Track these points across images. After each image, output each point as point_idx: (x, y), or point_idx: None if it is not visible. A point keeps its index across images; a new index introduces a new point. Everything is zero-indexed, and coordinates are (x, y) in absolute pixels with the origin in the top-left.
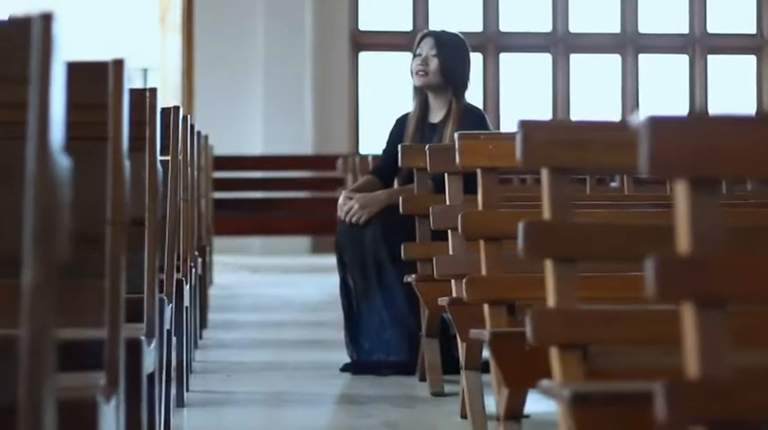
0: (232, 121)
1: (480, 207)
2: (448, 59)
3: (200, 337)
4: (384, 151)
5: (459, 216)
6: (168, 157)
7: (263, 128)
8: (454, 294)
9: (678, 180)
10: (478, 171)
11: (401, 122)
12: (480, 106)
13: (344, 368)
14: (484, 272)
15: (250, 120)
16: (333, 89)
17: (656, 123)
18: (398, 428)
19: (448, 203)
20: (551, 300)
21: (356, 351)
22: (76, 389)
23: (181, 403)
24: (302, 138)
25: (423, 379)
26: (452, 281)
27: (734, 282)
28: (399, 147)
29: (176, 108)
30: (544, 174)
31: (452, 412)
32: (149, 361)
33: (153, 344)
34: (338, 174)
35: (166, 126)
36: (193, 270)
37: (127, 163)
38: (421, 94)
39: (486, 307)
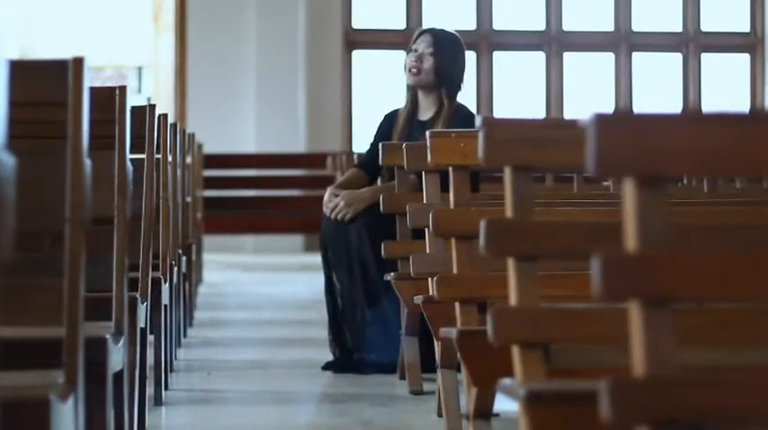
0: (225, 120)
1: (452, 205)
2: (443, 60)
3: (185, 336)
4: (371, 145)
5: (430, 214)
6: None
7: (256, 126)
8: (430, 293)
9: (625, 178)
10: (450, 169)
11: (389, 118)
12: (474, 104)
13: (327, 366)
14: (455, 270)
15: (243, 119)
16: (326, 87)
17: (603, 121)
18: (373, 427)
19: (425, 202)
20: (513, 299)
21: (339, 349)
22: (28, 387)
23: (159, 401)
24: (295, 136)
25: (403, 377)
26: (429, 279)
27: (679, 280)
28: (380, 145)
29: (152, 106)
30: (506, 173)
31: (429, 411)
32: (116, 359)
33: (121, 343)
34: (329, 172)
35: (142, 125)
36: (175, 268)
37: (87, 161)
38: (412, 90)
39: (456, 305)
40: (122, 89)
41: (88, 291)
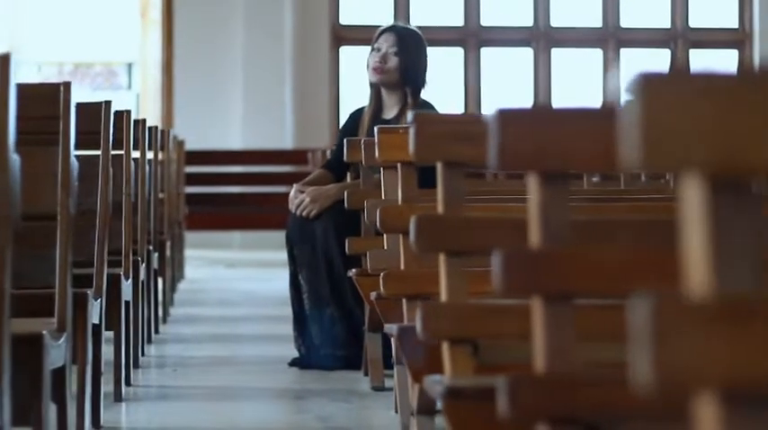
0: (212, 116)
1: (400, 201)
2: (407, 59)
3: (157, 332)
4: (336, 145)
5: (378, 210)
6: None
7: (243, 122)
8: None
9: (528, 173)
10: (398, 165)
11: (354, 117)
12: (461, 101)
13: (293, 363)
14: (402, 266)
15: (230, 115)
16: (313, 83)
17: (506, 116)
18: (330, 422)
19: (383, 197)
20: (442, 295)
21: (304, 345)
22: None
23: (119, 398)
24: (282, 132)
25: (368, 373)
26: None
27: (580, 276)
28: (345, 141)
29: (108, 102)
30: (438, 168)
31: (388, 406)
32: (55, 355)
33: (62, 339)
34: (311, 167)
35: (94, 119)
36: (143, 265)
37: (15, 157)
38: (375, 89)
39: (403, 301)
40: (66, 85)
41: (35, 287)
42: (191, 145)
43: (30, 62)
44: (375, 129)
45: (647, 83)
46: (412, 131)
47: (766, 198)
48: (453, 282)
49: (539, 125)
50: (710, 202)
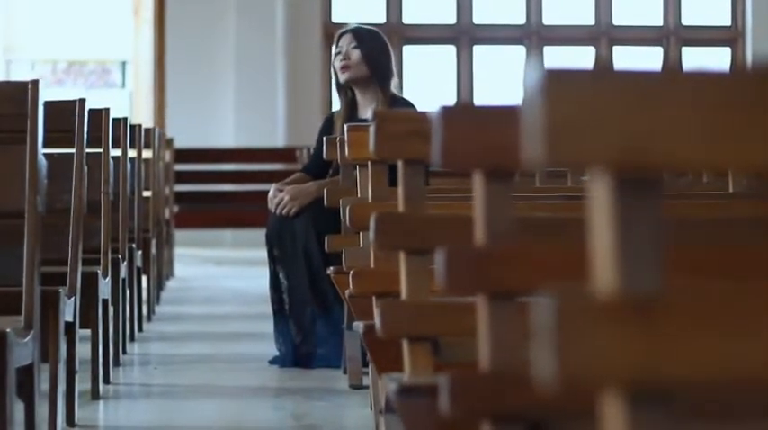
0: (204, 114)
1: (369, 199)
2: (368, 49)
3: (141, 330)
4: (314, 149)
5: (348, 208)
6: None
7: (235, 120)
8: None
9: (472, 172)
10: (368, 163)
11: (329, 120)
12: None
13: (273, 361)
14: (372, 264)
15: (222, 113)
16: (305, 81)
17: (449, 114)
18: (304, 420)
19: (359, 195)
20: (402, 293)
21: (285, 343)
22: None
23: (96, 396)
24: (274, 130)
25: (346, 371)
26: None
27: (522, 274)
28: (324, 139)
29: (82, 100)
30: (399, 166)
31: (364, 404)
32: (21, 353)
33: (29, 337)
34: (301, 165)
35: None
36: (124, 263)
37: None
38: (347, 92)
39: (373, 299)
40: (35, 83)
41: (5, 285)
42: (183, 143)
43: (23, 60)
44: (344, 127)
45: (551, 79)
46: (372, 129)
47: (672, 196)
48: (413, 279)
49: (481, 123)
50: (614, 199)
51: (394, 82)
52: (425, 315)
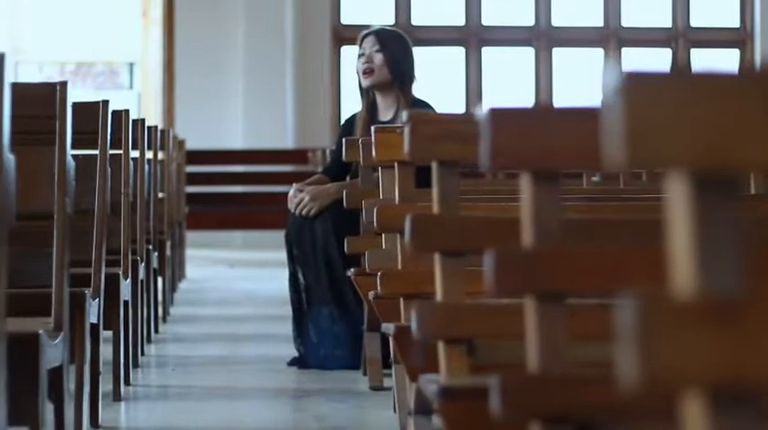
0: (214, 116)
1: (397, 201)
2: (391, 53)
3: (157, 331)
4: (334, 151)
5: (375, 209)
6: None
7: (245, 122)
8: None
9: (521, 172)
10: (395, 164)
11: (350, 122)
12: (462, 100)
13: (292, 362)
14: (399, 266)
15: (232, 115)
16: (314, 83)
17: (498, 115)
18: (327, 422)
19: (381, 197)
20: (438, 294)
21: (304, 345)
22: None
23: (117, 397)
24: (284, 132)
25: (366, 373)
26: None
27: (571, 275)
28: (344, 140)
29: (105, 102)
30: (433, 168)
31: (386, 406)
32: (52, 354)
33: (59, 338)
34: (312, 167)
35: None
36: (142, 264)
37: (10, 156)
38: (368, 95)
39: (401, 301)
40: (63, 85)
41: (33, 287)
42: (192, 144)
43: (31, 62)
44: (372, 128)
45: (632, 81)
46: (407, 131)
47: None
48: (448, 281)
49: (530, 124)
50: (695, 201)
51: (415, 84)
52: (462, 317)
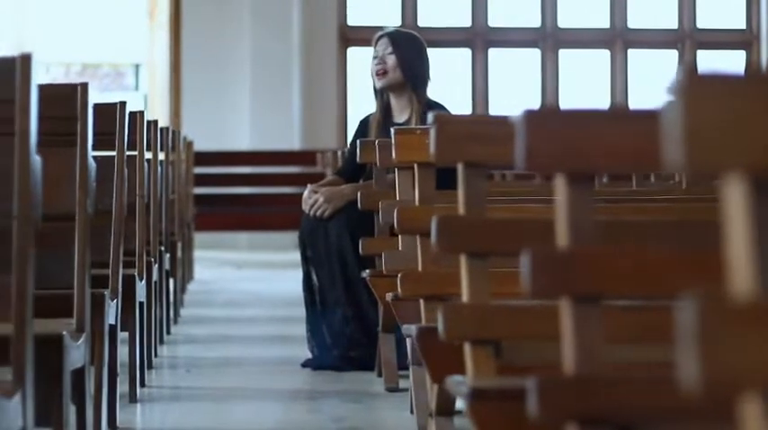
0: (220, 117)
1: (416, 202)
2: (405, 54)
3: (169, 333)
4: (348, 153)
5: (395, 211)
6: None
7: (251, 123)
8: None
9: (555, 174)
10: (415, 166)
11: (364, 124)
12: (469, 102)
13: (305, 363)
14: (420, 267)
15: (238, 116)
16: (321, 84)
17: (532, 118)
18: (345, 423)
19: (398, 198)
20: (464, 296)
21: (317, 346)
22: None
23: (134, 399)
24: (290, 133)
25: (381, 374)
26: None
27: (608, 277)
28: (358, 142)
29: (123, 103)
30: (459, 169)
31: (403, 407)
32: (75, 356)
33: (82, 340)
34: (320, 169)
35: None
36: (155, 265)
37: (37, 158)
38: (382, 96)
39: (421, 302)
40: (84, 86)
41: (52, 288)
42: (198, 146)
43: (37, 63)
44: (392, 130)
45: (691, 83)
46: (433, 132)
47: None
48: (475, 282)
49: (565, 126)
50: (754, 203)
51: (429, 86)
52: (488, 318)
